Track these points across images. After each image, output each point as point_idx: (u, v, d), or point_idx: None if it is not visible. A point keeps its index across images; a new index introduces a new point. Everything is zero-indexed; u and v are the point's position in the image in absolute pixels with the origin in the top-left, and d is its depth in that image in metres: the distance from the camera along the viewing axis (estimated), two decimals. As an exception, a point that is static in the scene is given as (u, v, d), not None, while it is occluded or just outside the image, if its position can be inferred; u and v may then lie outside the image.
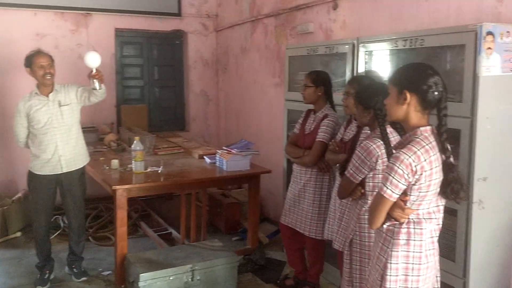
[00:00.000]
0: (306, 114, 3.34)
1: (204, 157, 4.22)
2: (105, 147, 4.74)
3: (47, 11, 5.17)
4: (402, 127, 1.96)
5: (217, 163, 3.99)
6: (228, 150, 3.92)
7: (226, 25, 5.87)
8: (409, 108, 1.78)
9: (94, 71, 3.29)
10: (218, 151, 4.06)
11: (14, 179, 5.12)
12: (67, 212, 3.63)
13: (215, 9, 6.14)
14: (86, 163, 3.65)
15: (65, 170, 3.44)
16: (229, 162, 3.84)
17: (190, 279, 3.27)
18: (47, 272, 3.54)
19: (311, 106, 3.29)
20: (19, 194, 4.75)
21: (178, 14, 5.91)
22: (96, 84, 3.32)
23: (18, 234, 4.48)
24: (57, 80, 3.47)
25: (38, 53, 3.38)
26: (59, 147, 3.39)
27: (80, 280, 3.60)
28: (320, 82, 3.17)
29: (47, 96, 3.39)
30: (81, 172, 3.58)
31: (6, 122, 4.98)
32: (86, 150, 3.67)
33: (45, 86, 3.39)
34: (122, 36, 5.77)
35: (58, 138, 3.39)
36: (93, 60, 3.28)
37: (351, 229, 2.36)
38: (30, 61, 3.34)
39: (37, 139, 3.39)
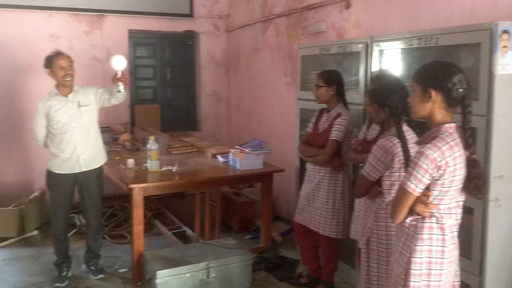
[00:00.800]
0: (319, 113, 3.36)
1: (217, 156, 4.26)
2: (119, 146, 4.80)
3: (62, 12, 5.24)
4: (419, 126, 1.98)
5: (230, 162, 4.03)
6: (241, 149, 3.95)
7: (238, 25, 5.91)
8: (434, 106, 1.81)
9: (120, 74, 3.33)
10: (231, 150, 4.09)
11: (31, 178, 5.20)
12: (84, 210, 3.68)
13: (227, 9, 6.18)
14: (104, 163, 3.70)
15: (83, 169, 3.49)
16: (243, 161, 3.87)
17: (205, 277, 3.31)
18: (65, 269, 3.60)
19: (323, 105, 3.31)
20: (36, 193, 4.82)
21: (190, 15, 5.96)
22: (121, 87, 3.37)
23: (35, 232, 4.55)
24: (70, 81, 3.50)
25: (58, 54, 3.43)
26: (78, 147, 3.45)
27: (97, 277, 3.65)
28: (332, 81, 3.19)
29: (67, 96, 3.44)
30: (99, 171, 3.63)
31: (22, 123, 5.07)
32: (104, 150, 3.72)
33: (64, 87, 3.44)
34: (135, 37, 5.83)
35: (77, 138, 3.44)
36: (120, 63, 3.32)
37: (368, 228, 2.37)
38: (50, 62, 3.39)
39: (56, 139, 3.44)
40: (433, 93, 1.79)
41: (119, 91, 3.40)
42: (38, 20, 5.14)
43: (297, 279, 3.58)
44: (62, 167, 3.46)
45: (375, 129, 2.71)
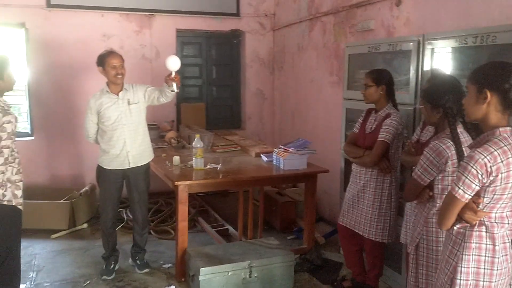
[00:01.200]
0: (367, 113, 3.28)
1: (261, 155, 4.26)
2: (165, 144, 4.89)
3: (113, 12, 5.40)
4: (474, 128, 1.88)
5: (274, 161, 4.01)
6: (285, 149, 3.92)
7: (284, 24, 5.88)
8: (489, 108, 1.71)
9: (174, 74, 3.41)
10: (275, 149, 4.07)
11: (82, 173, 5.40)
12: (132, 205, 3.77)
13: (273, 8, 6.16)
14: (151, 159, 3.77)
15: (132, 165, 3.58)
16: (286, 160, 3.84)
17: (247, 276, 3.31)
18: (112, 263, 3.69)
19: (371, 105, 3.22)
20: (86, 188, 5.00)
21: (237, 14, 5.99)
22: (175, 87, 3.45)
23: (85, 225, 4.72)
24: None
25: (111, 53, 3.53)
26: (127, 143, 3.53)
27: (142, 271, 3.73)
28: (382, 81, 3.10)
29: (117, 94, 3.54)
30: (147, 167, 3.71)
31: (75, 119, 5.28)
32: (151, 147, 3.79)
33: (115, 85, 3.54)
34: (183, 37, 5.93)
35: (127, 135, 3.53)
36: (174, 63, 3.40)
37: (417, 233, 2.29)
38: (103, 61, 3.49)
39: (107, 135, 3.54)
40: (489, 94, 1.69)
41: (173, 91, 3.47)
42: (91, 20, 5.32)
43: (341, 283, 3.51)
44: (112, 163, 3.56)
45: (429, 130, 2.61)
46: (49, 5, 5.12)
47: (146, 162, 3.70)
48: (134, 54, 5.50)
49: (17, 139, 4.97)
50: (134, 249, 3.82)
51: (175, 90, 3.47)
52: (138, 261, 3.78)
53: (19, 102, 5.37)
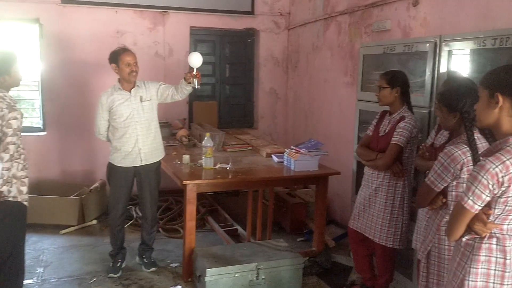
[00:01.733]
0: (381, 116, 3.20)
1: (272, 155, 4.20)
2: (177, 142, 4.86)
3: (127, 9, 5.39)
4: (492, 134, 1.80)
5: (285, 162, 3.95)
6: (297, 150, 3.86)
7: (298, 23, 5.81)
8: (501, 113, 1.62)
9: (195, 71, 3.41)
10: (286, 150, 4.01)
11: (93, 169, 5.41)
12: (142, 203, 3.73)
13: (288, 7, 6.09)
14: (162, 157, 3.74)
15: (143, 162, 3.55)
16: (297, 162, 3.78)
17: (255, 278, 3.26)
18: (119, 260, 3.67)
19: (385, 108, 3.14)
20: (96, 184, 5.00)
21: (251, 13, 5.93)
22: (196, 83, 3.45)
23: (94, 222, 4.73)
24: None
25: (125, 50, 3.49)
26: (140, 141, 3.51)
27: (149, 270, 3.69)
28: (396, 83, 3.01)
29: (129, 91, 3.51)
30: (158, 165, 3.68)
31: (87, 115, 5.27)
32: (163, 145, 3.77)
33: (128, 82, 3.51)
34: (197, 34, 5.89)
35: (139, 132, 3.50)
36: (197, 60, 3.42)
37: (429, 240, 2.21)
38: (116, 58, 3.45)
39: (119, 132, 3.51)
40: (501, 98, 1.61)
41: (193, 87, 3.48)
42: (104, 16, 5.32)
43: (350, 287, 3.44)
44: (124, 160, 3.53)
45: (443, 135, 2.52)
46: (64, 1, 5.12)
47: (158, 160, 3.67)
48: (147, 51, 5.49)
49: (29, 134, 5.08)
50: (142, 247, 3.79)
51: (196, 86, 3.47)
52: (145, 259, 3.75)
53: (32, 97, 5.40)
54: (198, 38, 5.95)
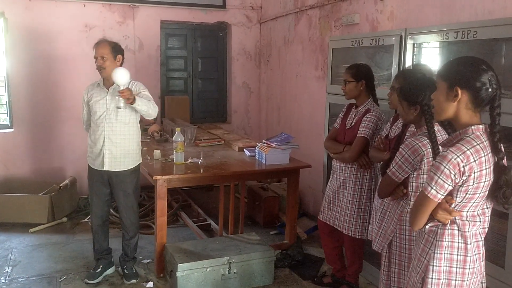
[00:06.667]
0: (347, 109, 3.24)
1: (244, 149, 4.21)
2: (148, 137, 4.81)
3: (95, 2, 5.28)
4: (451, 126, 1.84)
5: (257, 156, 3.97)
6: (268, 144, 3.88)
7: (270, 16, 5.81)
8: (459, 106, 1.66)
9: (121, 88, 3.04)
10: (257, 144, 4.03)
11: (62, 166, 5.30)
12: (118, 209, 3.51)
13: (259, 0, 6.08)
14: (136, 165, 3.42)
15: (106, 168, 3.28)
16: (268, 155, 3.80)
17: (226, 272, 3.27)
18: (101, 266, 3.47)
19: (352, 101, 3.19)
20: (66, 181, 4.91)
21: (223, 6, 5.90)
22: (121, 103, 3.08)
23: (65, 219, 4.65)
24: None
25: (96, 44, 3.28)
26: (106, 144, 3.25)
27: (129, 282, 3.44)
28: (361, 76, 3.05)
29: (108, 89, 3.28)
30: (130, 172, 3.37)
31: (56, 112, 5.19)
32: (139, 151, 3.44)
33: (106, 80, 3.26)
34: (167, 28, 5.83)
35: (107, 134, 3.25)
36: (121, 76, 3.04)
37: (390, 231, 2.26)
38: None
39: (93, 130, 3.33)
40: (460, 92, 1.64)
41: (119, 107, 3.12)
42: (72, 10, 5.20)
43: (321, 279, 3.50)
44: (93, 162, 3.35)
45: (398, 126, 2.59)
46: (30, -6, 5.00)
47: (128, 168, 3.34)
48: (117, 46, 5.40)
49: (-5, 131, 4.94)
50: (123, 257, 3.54)
51: (121, 106, 3.09)
52: (125, 270, 3.50)
53: (-2, 93, 5.26)
54: (169, 32, 5.89)
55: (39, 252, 3.96)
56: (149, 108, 3.22)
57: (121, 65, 3.28)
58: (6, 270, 3.60)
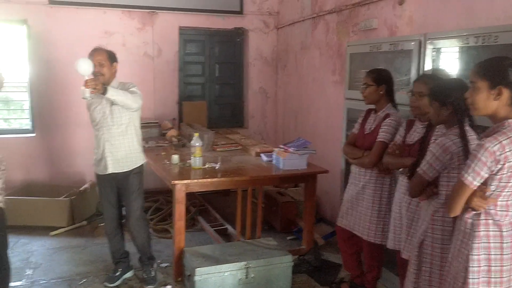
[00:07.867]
0: (367, 114, 3.23)
1: (261, 154, 4.22)
2: (166, 142, 4.86)
3: (115, 9, 5.37)
4: (478, 126, 1.92)
5: (274, 161, 3.97)
6: (285, 149, 3.88)
7: (287, 22, 5.83)
8: (500, 103, 1.78)
9: (86, 78, 3.00)
10: (274, 149, 4.03)
11: (82, 170, 5.38)
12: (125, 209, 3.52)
13: (277, 6, 6.11)
14: (140, 164, 3.45)
15: (111, 170, 3.32)
16: (286, 160, 3.80)
17: (244, 276, 3.28)
18: (120, 270, 3.51)
19: (371, 106, 3.17)
20: (86, 185, 4.98)
21: (240, 12, 5.94)
22: (86, 94, 3.00)
23: (84, 223, 4.71)
24: (121, 77, 3.42)
25: (93, 50, 3.25)
26: (106, 147, 3.29)
27: (146, 287, 3.45)
28: (382, 80, 3.05)
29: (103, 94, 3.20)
30: (133, 173, 3.40)
31: (76, 117, 5.27)
32: (140, 151, 3.47)
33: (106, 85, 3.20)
34: (186, 34, 5.89)
35: (106, 138, 3.29)
36: (83, 67, 3.00)
37: (422, 231, 2.26)
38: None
39: (94, 136, 3.38)
40: (503, 91, 1.75)
41: (85, 98, 3.04)
42: (93, 17, 5.30)
43: (339, 285, 3.47)
44: (98, 167, 3.40)
45: (417, 131, 2.59)
46: (51, 2, 5.11)
47: (131, 168, 3.37)
48: (136, 52, 5.49)
49: (18, 136, 5.05)
50: (140, 260, 3.57)
51: (87, 97, 3.03)
52: (144, 274, 3.53)
53: (21, 98, 5.37)
54: (187, 38, 5.95)
55: (59, 255, 4.02)
56: (126, 98, 3.15)
57: (115, 73, 3.32)
58: (27, 273, 3.67)
